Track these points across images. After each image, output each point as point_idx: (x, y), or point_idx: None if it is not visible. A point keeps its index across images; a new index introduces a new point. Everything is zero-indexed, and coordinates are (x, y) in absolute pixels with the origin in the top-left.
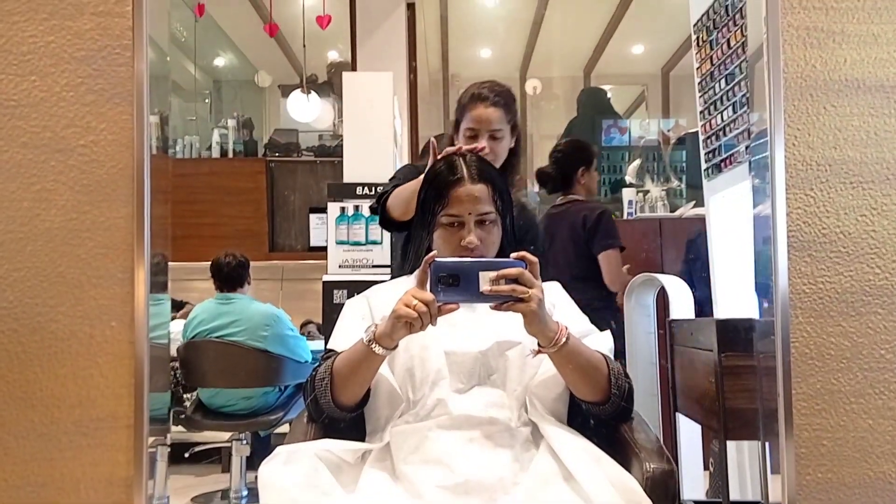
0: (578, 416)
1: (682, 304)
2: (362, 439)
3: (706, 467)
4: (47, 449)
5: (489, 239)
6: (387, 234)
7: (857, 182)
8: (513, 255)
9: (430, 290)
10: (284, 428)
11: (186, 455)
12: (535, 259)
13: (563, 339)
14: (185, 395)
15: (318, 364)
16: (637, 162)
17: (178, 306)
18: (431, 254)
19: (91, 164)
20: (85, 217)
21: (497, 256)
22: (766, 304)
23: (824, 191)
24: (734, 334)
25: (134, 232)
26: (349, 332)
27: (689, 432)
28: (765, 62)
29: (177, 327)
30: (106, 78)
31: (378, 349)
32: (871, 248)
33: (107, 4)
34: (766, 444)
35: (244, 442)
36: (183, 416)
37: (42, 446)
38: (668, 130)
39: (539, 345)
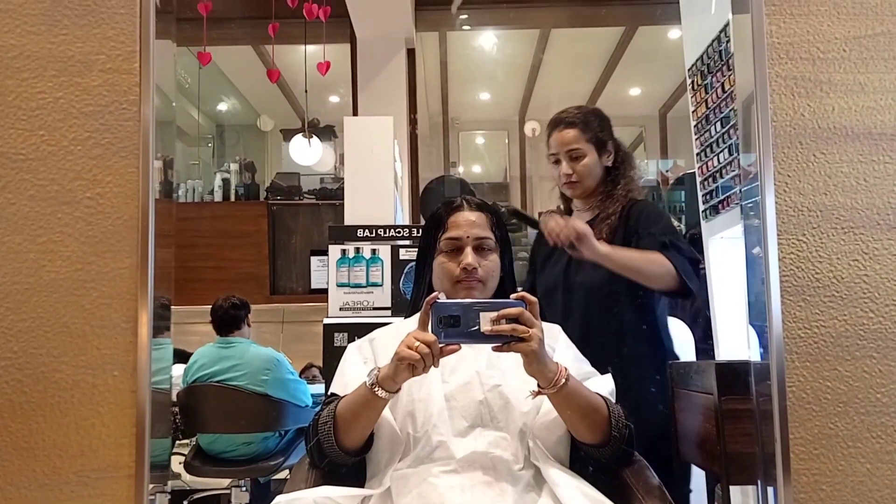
0: (580, 460)
1: (683, 346)
2: (362, 485)
3: None
4: (48, 499)
5: (488, 265)
6: (387, 277)
7: (849, 227)
8: (513, 295)
9: (432, 331)
10: (284, 473)
11: (186, 502)
12: (534, 299)
13: (563, 380)
14: (184, 441)
15: (320, 409)
16: None
17: (182, 357)
18: (432, 295)
19: (97, 215)
20: (90, 268)
21: (497, 294)
22: (761, 350)
23: (816, 236)
24: (734, 377)
25: (138, 281)
26: (352, 375)
27: (694, 477)
28: (754, 111)
29: (177, 371)
30: (113, 132)
31: (381, 392)
32: (864, 293)
33: (115, 62)
34: (767, 488)
35: (243, 489)
36: (181, 463)
37: (43, 497)
38: (667, 171)
39: (538, 385)
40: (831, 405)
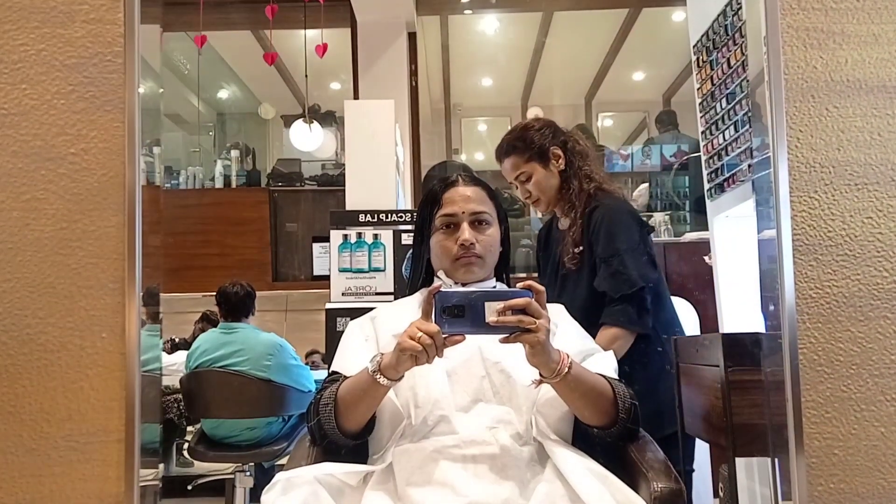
0: (583, 434)
1: (687, 325)
2: (364, 461)
3: (716, 494)
4: (36, 465)
5: (486, 240)
6: (390, 262)
7: (862, 184)
8: (519, 284)
9: (435, 321)
10: (288, 458)
11: (189, 487)
12: (541, 288)
13: (566, 369)
14: (190, 429)
15: (321, 388)
16: (644, 185)
17: (186, 346)
18: (435, 285)
19: (82, 172)
20: (75, 226)
21: (497, 269)
22: (770, 320)
23: (829, 193)
24: (740, 349)
25: (125, 240)
26: (354, 354)
27: (697, 456)
28: (765, 63)
29: (180, 358)
30: (97, 85)
31: (383, 380)
32: (877, 251)
33: (98, 12)
34: (776, 460)
35: (248, 473)
36: (185, 449)
37: (31, 462)
38: (671, 156)
39: (541, 375)
40: (844, 367)
